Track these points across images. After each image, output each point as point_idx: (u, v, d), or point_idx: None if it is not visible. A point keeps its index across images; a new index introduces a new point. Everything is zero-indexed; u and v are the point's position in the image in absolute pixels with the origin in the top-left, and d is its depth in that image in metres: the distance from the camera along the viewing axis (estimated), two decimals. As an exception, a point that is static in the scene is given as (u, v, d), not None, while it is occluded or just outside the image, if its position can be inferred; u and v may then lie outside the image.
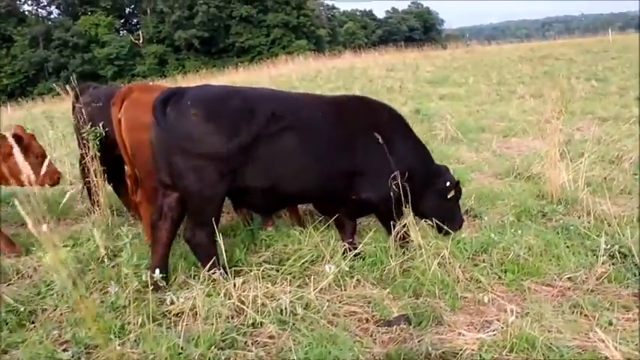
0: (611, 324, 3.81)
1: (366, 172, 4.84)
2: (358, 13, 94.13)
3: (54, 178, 6.12)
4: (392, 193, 4.74)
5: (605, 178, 7.03)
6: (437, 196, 5.26)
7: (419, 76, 23.13)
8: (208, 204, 4.45)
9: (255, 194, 4.57)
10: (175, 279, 4.74)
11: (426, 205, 5.25)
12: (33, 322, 4.17)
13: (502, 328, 3.71)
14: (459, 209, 5.55)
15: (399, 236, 4.93)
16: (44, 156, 6.02)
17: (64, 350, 3.71)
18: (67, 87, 7.08)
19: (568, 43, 36.90)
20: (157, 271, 4.18)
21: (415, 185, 4.92)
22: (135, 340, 3.71)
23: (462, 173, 7.87)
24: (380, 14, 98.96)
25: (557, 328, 3.74)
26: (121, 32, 69.81)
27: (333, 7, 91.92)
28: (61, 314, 4.22)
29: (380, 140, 4.68)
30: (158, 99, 4.38)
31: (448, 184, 5.21)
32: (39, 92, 46.97)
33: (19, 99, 37.88)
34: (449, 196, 5.23)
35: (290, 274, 4.67)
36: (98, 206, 6.59)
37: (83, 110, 6.20)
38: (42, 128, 13.21)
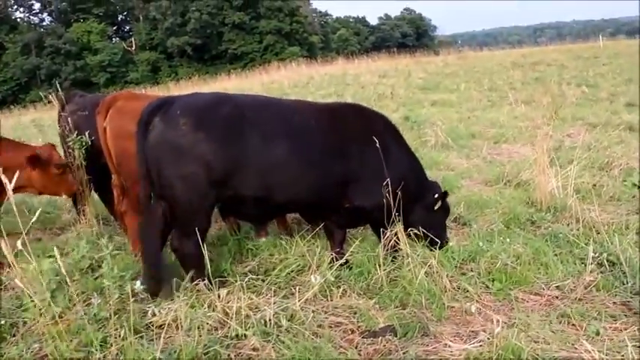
0: (598, 334, 3.77)
1: (359, 180, 4.78)
2: (351, 20, 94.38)
3: (71, 189, 6.06)
4: (385, 201, 4.69)
5: (595, 185, 7.01)
6: (426, 209, 5.19)
7: (411, 82, 23.15)
8: (197, 214, 4.40)
9: (247, 203, 4.52)
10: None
11: (414, 217, 5.16)
12: (14, 336, 4.10)
13: (488, 339, 3.67)
14: (445, 228, 5.44)
15: (390, 244, 4.88)
16: (66, 166, 5.95)
17: (44, 365, 3.64)
18: (56, 95, 7.04)
19: (559, 49, 37.01)
20: (138, 283, 4.12)
21: (405, 196, 4.86)
22: (116, 354, 3.64)
23: (452, 180, 7.84)
24: (373, 20, 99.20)
25: (544, 339, 3.70)
26: (113, 39, 69.68)
27: (326, 14, 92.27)
28: (44, 327, 4.14)
29: (377, 145, 4.60)
30: (146, 111, 4.36)
31: (436, 195, 5.16)
32: (31, 100, 46.72)
33: (11, 106, 37.75)
34: (436, 208, 5.17)
35: (275, 284, 4.62)
36: (84, 216, 6.53)
37: (69, 119, 6.15)
38: (31, 136, 13.15)
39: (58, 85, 7.20)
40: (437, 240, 5.07)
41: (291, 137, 4.50)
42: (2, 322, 4.17)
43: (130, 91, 6.95)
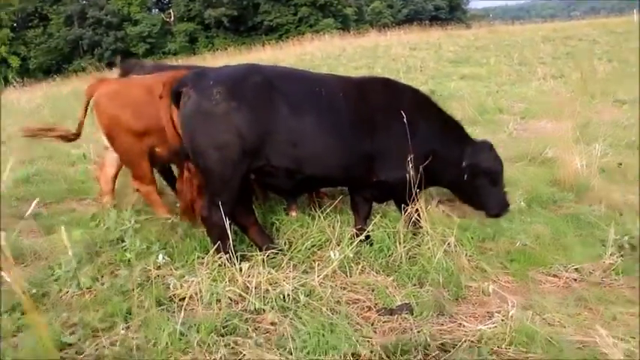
0: (614, 319, 3.66)
1: (385, 154, 4.69)
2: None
3: None
4: (409, 176, 4.58)
5: (620, 164, 6.76)
6: (470, 179, 4.86)
7: (441, 55, 22.72)
8: (228, 182, 4.38)
9: (279, 176, 4.50)
10: (187, 261, 4.67)
11: (459, 189, 5.06)
12: (45, 305, 4.14)
13: (503, 320, 3.58)
14: (501, 192, 4.98)
15: (411, 221, 4.79)
16: None
17: (71, 334, 3.67)
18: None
19: (593, 23, 35.71)
20: (161, 255, 4.12)
21: (442, 169, 4.80)
22: (139, 325, 3.67)
23: (476, 156, 7.65)
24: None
25: (559, 322, 3.61)
26: (152, 10, 69.56)
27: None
28: (72, 297, 4.19)
29: (404, 119, 4.49)
30: (177, 83, 4.40)
31: (464, 164, 4.80)
32: (74, 69, 47.15)
33: (54, 76, 38.17)
34: (468, 176, 4.81)
35: (296, 259, 4.59)
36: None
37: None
38: (72, 109, 13.18)
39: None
40: (486, 208, 4.94)
41: (318, 109, 4.46)
42: (34, 291, 4.22)
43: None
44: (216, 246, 4.46)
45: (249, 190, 4.93)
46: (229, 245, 4.41)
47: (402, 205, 4.84)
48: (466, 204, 5.14)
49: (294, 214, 5.51)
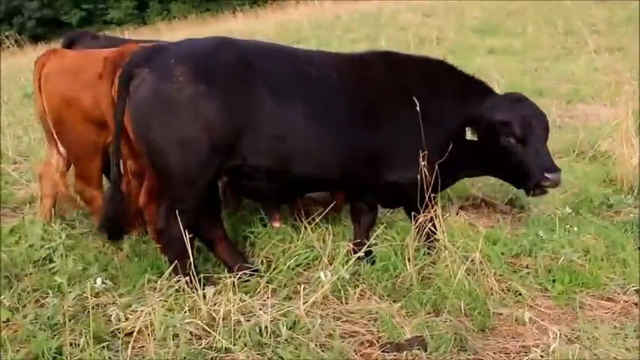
0: (685, 352, 3.72)
1: (396, 147, 4.78)
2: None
3: None
4: (426, 175, 4.63)
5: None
6: (488, 139, 4.93)
7: (463, 22, 22.78)
8: (192, 186, 4.43)
9: (260, 178, 4.54)
10: (135, 286, 4.69)
11: (485, 163, 5.15)
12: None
13: (542, 356, 3.63)
14: (539, 154, 4.86)
15: (424, 233, 4.84)
16: None
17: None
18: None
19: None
20: (99, 280, 4.14)
21: (472, 148, 4.99)
22: (72, 368, 3.69)
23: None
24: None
25: (615, 358, 3.65)
26: (89, -32, 69.59)
27: None
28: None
29: (415, 104, 4.52)
30: (129, 62, 4.38)
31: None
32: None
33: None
34: (483, 136, 4.96)
35: (276, 282, 4.63)
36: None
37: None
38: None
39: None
40: (523, 182, 4.99)
41: (308, 93, 4.52)
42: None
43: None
44: (172, 266, 4.46)
45: (216, 196, 4.96)
46: (190, 265, 4.43)
47: (413, 213, 4.87)
48: (503, 180, 5.41)
49: (277, 224, 5.52)
